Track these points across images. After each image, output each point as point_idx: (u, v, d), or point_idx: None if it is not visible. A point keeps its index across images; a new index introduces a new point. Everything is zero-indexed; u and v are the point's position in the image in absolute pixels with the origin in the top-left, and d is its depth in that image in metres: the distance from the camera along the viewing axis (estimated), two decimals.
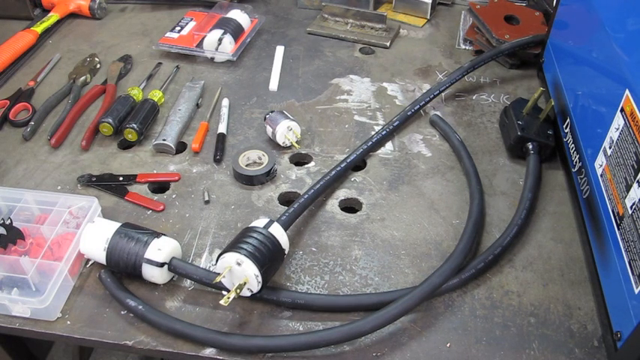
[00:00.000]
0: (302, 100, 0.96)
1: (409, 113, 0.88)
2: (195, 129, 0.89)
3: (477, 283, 0.67)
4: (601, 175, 0.66)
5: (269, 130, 0.85)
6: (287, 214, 0.69)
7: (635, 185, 0.57)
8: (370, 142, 0.84)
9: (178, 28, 1.10)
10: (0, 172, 0.82)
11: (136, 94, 0.92)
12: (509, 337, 0.61)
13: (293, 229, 0.73)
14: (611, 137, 0.64)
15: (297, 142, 0.85)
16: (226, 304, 0.58)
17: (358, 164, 0.83)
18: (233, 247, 0.61)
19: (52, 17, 1.13)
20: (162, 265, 0.64)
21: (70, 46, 1.10)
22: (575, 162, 0.75)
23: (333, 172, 0.77)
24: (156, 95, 0.93)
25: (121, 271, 0.66)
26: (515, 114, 0.83)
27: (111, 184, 0.79)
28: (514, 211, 0.73)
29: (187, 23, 1.11)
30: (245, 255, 0.59)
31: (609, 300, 0.61)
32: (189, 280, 0.67)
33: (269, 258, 0.61)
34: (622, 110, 0.61)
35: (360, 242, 0.72)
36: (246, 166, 0.82)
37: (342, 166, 0.78)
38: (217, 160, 0.84)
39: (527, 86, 0.98)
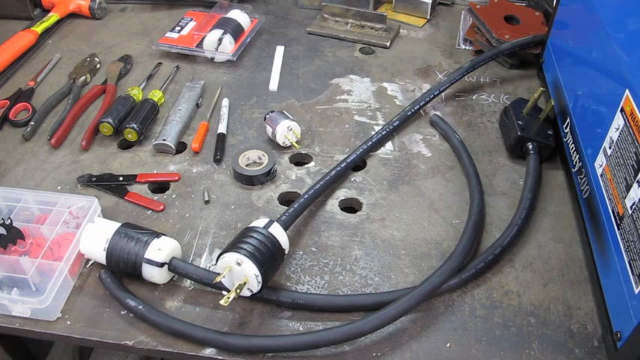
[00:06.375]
0: (302, 100, 0.96)
1: (409, 113, 0.88)
2: (195, 129, 0.89)
3: (476, 283, 0.67)
4: (601, 175, 0.66)
5: (269, 130, 0.85)
6: (287, 214, 0.69)
7: (635, 185, 0.57)
8: (370, 142, 0.83)
9: (178, 28, 1.10)
10: (0, 172, 0.82)
11: (136, 94, 0.92)
12: (509, 337, 0.62)
13: (293, 229, 0.73)
14: (611, 137, 0.64)
15: (297, 142, 0.85)
16: (226, 304, 0.57)
17: (358, 164, 0.83)
18: (233, 247, 0.61)
19: (52, 17, 1.13)
20: (162, 265, 0.64)
21: (70, 46, 1.10)
22: (575, 162, 0.75)
23: (333, 172, 0.77)
24: (156, 95, 0.92)
25: (121, 271, 0.66)
26: (515, 114, 0.83)
27: (111, 184, 0.79)
28: (514, 211, 0.73)
29: (187, 23, 1.11)
30: (245, 255, 0.59)
31: (609, 300, 0.61)
32: (189, 280, 0.67)
33: (269, 258, 0.61)
34: (622, 110, 0.61)
35: (360, 242, 0.72)
36: (246, 166, 0.82)
37: (342, 166, 0.78)
38: (217, 160, 0.84)
39: (527, 86, 0.98)
